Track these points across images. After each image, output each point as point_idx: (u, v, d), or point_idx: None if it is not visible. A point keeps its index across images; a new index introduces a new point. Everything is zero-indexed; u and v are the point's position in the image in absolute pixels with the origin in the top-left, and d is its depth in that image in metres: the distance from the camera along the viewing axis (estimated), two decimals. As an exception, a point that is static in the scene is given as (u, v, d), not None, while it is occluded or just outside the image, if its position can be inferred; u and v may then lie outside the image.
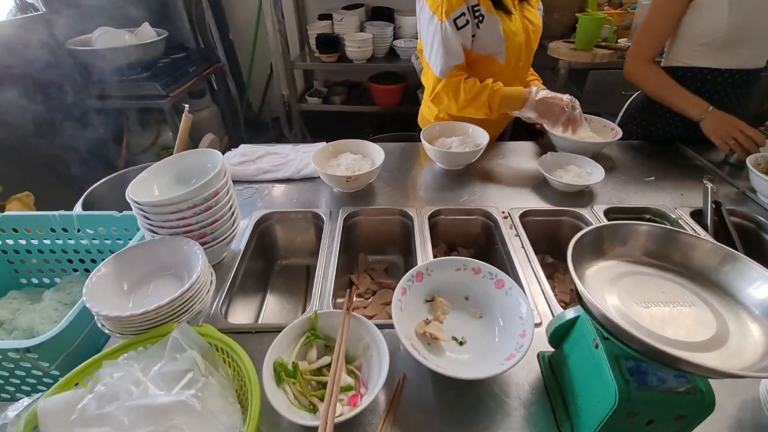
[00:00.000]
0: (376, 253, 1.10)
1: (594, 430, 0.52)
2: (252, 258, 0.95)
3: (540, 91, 1.10)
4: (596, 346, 0.51)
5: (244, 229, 0.96)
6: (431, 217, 1.01)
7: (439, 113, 1.33)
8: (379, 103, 2.79)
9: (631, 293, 0.48)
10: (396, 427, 0.58)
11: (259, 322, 0.93)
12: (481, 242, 1.05)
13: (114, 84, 2.05)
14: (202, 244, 0.76)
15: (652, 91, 1.25)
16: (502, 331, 0.68)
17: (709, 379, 0.47)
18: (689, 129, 1.23)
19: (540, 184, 1.11)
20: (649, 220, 1.02)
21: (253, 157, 1.21)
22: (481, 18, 1.08)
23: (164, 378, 0.49)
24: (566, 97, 1.09)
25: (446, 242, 1.08)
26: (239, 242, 0.92)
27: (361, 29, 2.73)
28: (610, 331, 0.45)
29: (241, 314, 0.88)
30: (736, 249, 0.93)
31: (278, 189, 1.12)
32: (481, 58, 1.15)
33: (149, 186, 0.76)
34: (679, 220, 0.98)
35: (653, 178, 1.14)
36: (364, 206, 1.04)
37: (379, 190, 1.11)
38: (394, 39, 2.70)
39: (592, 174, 1.08)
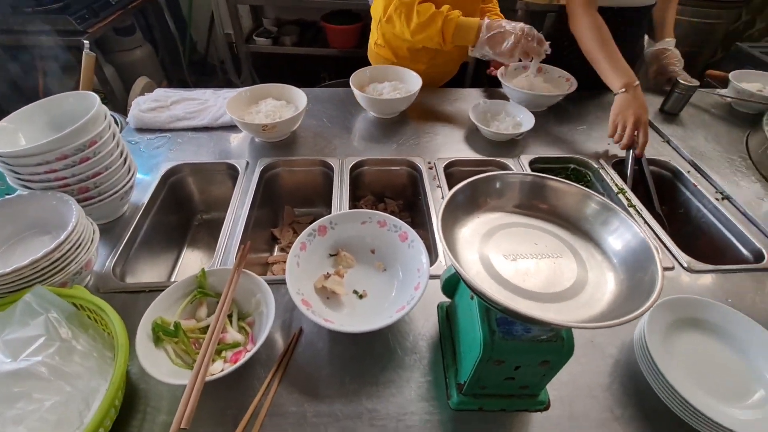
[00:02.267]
0: (302, 206, 1.06)
1: (469, 375, 0.53)
2: (161, 212, 0.89)
3: (492, 22, 1.02)
4: (471, 298, 0.51)
5: (150, 182, 0.89)
6: (355, 168, 0.96)
7: (388, 50, 1.25)
8: (335, 45, 2.60)
9: (502, 247, 0.47)
10: (285, 381, 0.58)
11: (172, 279, 0.90)
12: (408, 193, 1.03)
13: (20, 17, 1.79)
14: (86, 200, 0.70)
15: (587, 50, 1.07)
16: (400, 283, 0.67)
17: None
18: None
19: (473, 134, 1.08)
20: (573, 170, 1.02)
21: (167, 102, 1.10)
22: None
23: (9, 345, 0.46)
24: (520, 26, 1.01)
25: (374, 194, 1.05)
26: (142, 196, 0.86)
27: (310, -42, 2.47)
28: (469, 288, 0.44)
29: (149, 273, 0.84)
30: (651, 198, 0.96)
31: (194, 138, 1.04)
32: None
33: (14, 134, 0.67)
34: (600, 170, 0.98)
35: (584, 127, 1.12)
36: (284, 157, 0.98)
37: (304, 140, 1.05)
38: (347, -29, 2.46)
39: (522, 123, 1.05)
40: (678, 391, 0.52)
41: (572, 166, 1.02)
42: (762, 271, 0.75)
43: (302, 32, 2.74)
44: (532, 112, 1.05)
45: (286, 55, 2.65)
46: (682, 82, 1.13)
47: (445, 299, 0.66)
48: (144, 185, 0.89)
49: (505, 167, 0.97)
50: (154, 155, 0.97)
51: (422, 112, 1.16)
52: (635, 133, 0.96)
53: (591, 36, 1.01)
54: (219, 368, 0.54)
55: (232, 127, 1.06)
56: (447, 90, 1.29)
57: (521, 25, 1.01)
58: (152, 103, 1.09)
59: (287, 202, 1.04)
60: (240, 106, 1.02)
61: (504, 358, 0.49)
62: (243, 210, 0.84)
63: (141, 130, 1.05)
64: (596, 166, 0.99)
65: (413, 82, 1.11)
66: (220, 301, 0.58)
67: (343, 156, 0.98)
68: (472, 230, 0.49)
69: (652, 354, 0.55)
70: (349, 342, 0.63)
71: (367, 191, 1.04)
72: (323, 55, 2.61)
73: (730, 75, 1.23)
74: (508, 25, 1.01)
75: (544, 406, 0.57)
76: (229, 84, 3.06)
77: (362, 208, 1.00)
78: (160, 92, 1.15)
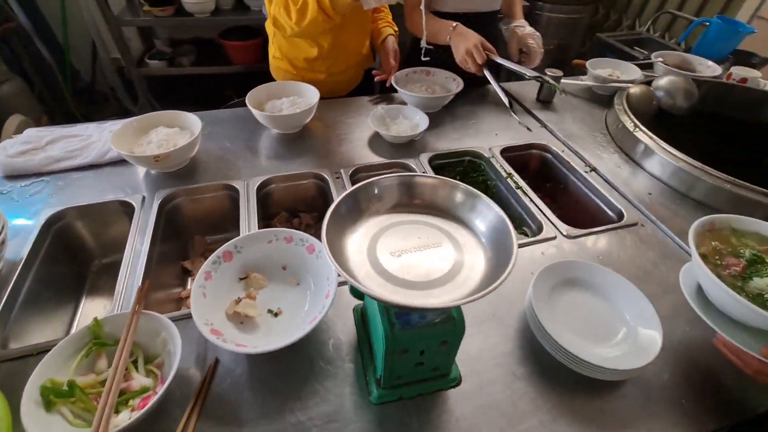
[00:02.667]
0: (214, 233, 1.03)
1: (383, 369, 0.56)
2: (48, 264, 0.81)
3: None
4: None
5: (28, 233, 0.81)
6: (262, 187, 0.96)
7: (286, 62, 1.26)
8: (238, 61, 2.53)
9: (389, 245, 0.51)
10: (205, 415, 0.57)
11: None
12: (319, 204, 1.05)
13: None
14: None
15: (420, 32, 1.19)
16: (313, 294, 0.69)
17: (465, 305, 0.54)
18: None
19: (375, 139, 1.13)
20: (468, 161, 1.11)
21: (40, 143, 1.00)
22: None
23: None
24: None
25: (287, 210, 1.05)
26: (20, 250, 0.77)
27: (195, -24, 2.38)
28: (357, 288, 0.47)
29: (41, 333, 0.75)
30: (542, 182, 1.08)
31: (78, 179, 0.95)
32: None
33: None
34: (491, 159, 1.08)
35: (474, 121, 1.23)
36: (183, 186, 0.94)
37: (206, 165, 1.02)
38: (239, -13, 2.42)
39: (419, 124, 1.13)
40: (557, 341, 0.60)
41: (467, 158, 1.11)
42: (622, 228, 0.89)
43: (200, 51, 2.63)
44: (427, 113, 1.13)
45: (185, 76, 2.53)
46: (549, 74, 1.29)
47: (360, 302, 0.69)
48: (22, 237, 0.80)
49: (407, 167, 1.03)
50: (32, 203, 0.88)
51: (325, 124, 1.19)
52: (485, 55, 1.12)
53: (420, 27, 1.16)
54: (126, 418, 0.51)
55: (122, 162, 1.00)
56: (347, 100, 1.33)
57: None
58: (22, 145, 0.98)
59: (197, 232, 1.00)
60: (128, 139, 0.96)
61: (408, 347, 0.53)
62: (143, 247, 0.79)
63: (12, 177, 0.94)
64: (487, 155, 1.09)
65: (311, 95, 1.13)
66: (117, 348, 0.55)
67: (249, 177, 0.97)
68: (361, 234, 0.52)
69: (537, 315, 0.63)
70: (269, 362, 0.63)
71: (279, 208, 1.04)
72: (226, 73, 2.53)
73: (587, 63, 1.42)
74: None
75: (457, 381, 0.62)
76: (125, 113, 2.83)
77: (276, 226, 1.00)
78: (31, 132, 1.04)
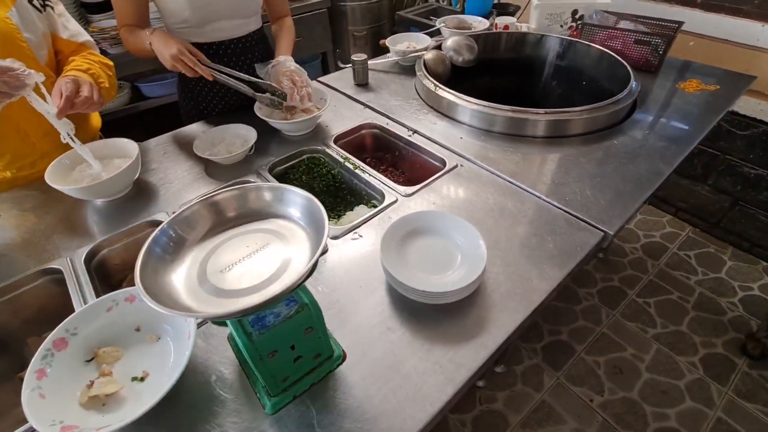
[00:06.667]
0: (52, 328, 0.89)
1: (265, 378, 0.58)
2: None
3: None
4: (224, 318, 0.55)
5: None
6: (91, 257, 0.86)
7: None
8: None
9: (219, 263, 0.52)
10: None
11: None
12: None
13: None
14: None
15: (135, 52, 1.14)
16: (176, 342, 0.66)
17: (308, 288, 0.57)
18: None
19: (209, 166, 1.09)
20: (309, 158, 1.16)
21: None
22: None
23: None
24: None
25: (131, 268, 0.96)
26: None
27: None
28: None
29: None
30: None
31: None
32: None
33: None
34: (327, 149, 1.14)
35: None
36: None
37: (11, 259, 0.87)
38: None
39: (246, 139, 1.12)
40: (405, 283, 0.68)
41: (306, 156, 1.15)
42: (447, 173, 1.03)
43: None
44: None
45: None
46: (355, 58, 1.40)
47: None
48: None
49: (247, 182, 1.03)
50: None
51: (150, 169, 1.11)
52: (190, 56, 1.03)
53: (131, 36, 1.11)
54: None
55: None
56: (163, 137, 1.24)
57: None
58: None
59: (27, 335, 0.86)
60: None
61: (274, 348, 0.55)
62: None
63: None
64: (322, 147, 1.15)
65: (129, 149, 1.03)
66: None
67: (70, 252, 0.86)
68: (187, 265, 0.52)
69: (387, 268, 0.71)
70: (152, 429, 0.59)
71: (126, 271, 0.94)
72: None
73: (387, 42, 1.57)
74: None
75: (341, 358, 0.66)
76: None
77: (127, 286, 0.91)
78: None
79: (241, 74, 1.10)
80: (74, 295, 0.78)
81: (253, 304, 0.43)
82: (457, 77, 1.44)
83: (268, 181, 1.03)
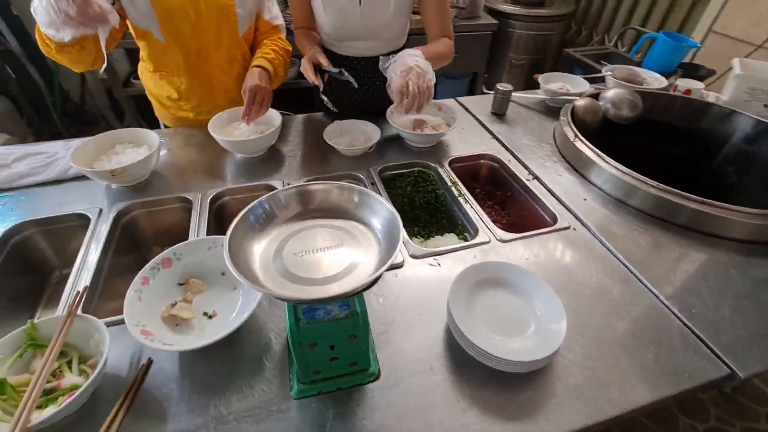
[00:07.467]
0: (173, 244, 1.07)
1: (300, 364, 0.60)
2: (10, 276, 0.86)
3: None
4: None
5: (-13, 246, 0.85)
6: (215, 200, 1.01)
7: (153, 98, 1.33)
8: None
9: (296, 246, 0.56)
10: (134, 412, 0.60)
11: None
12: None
13: None
14: None
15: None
16: (245, 297, 0.73)
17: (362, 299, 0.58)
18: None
19: (330, 152, 1.19)
20: (419, 172, 1.17)
21: (7, 160, 1.05)
22: None
23: None
24: None
25: (243, 221, 1.09)
26: (-23, 263, 0.82)
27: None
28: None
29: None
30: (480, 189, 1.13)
31: (41, 194, 1.00)
32: (141, 34, 1.13)
33: None
34: (439, 169, 1.13)
35: (427, 134, 1.29)
36: (140, 198, 0.99)
37: (165, 180, 1.07)
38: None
39: (371, 137, 1.18)
40: (467, 336, 0.64)
41: (417, 169, 1.17)
42: (555, 231, 0.94)
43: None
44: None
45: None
46: (500, 87, 1.36)
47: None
48: (-21, 251, 0.84)
49: (357, 179, 1.09)
50: (-7, 217, 0.93)
51: (286, 140, 1.25)
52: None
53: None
54: (49, 412, 0.55)
55: (84, 178, 1.05)
56: (304, 116, 1.38)
57: None
58: (-12, 163, 1.04)
59: (155, 243, 1.05)
60: (89, 155, 1.01)
61: (315, 340, 0.57)
62: (94, 257, 0.84)
63: (-22, 192, 0.99)
64: (435, 165, 1.15)
65: (274, 118, 1.18)
66: (47, 348, 0.59)
67: (204, 190, 1.02)
68: (269, 240, 0.57)
69: (452, 313, 0.67)
70: (201, 362, 0.67)
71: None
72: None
73: (540, 78, 1.49)
74: None
75: (375, 376, 0.66)
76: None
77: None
78: (-1, 151, 1.09)
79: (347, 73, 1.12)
80: (192, 226, 0.92)
81: (311, 297, 0.45)
82: (603, 132, 1.29)
83: (376, 182, 1.07)
